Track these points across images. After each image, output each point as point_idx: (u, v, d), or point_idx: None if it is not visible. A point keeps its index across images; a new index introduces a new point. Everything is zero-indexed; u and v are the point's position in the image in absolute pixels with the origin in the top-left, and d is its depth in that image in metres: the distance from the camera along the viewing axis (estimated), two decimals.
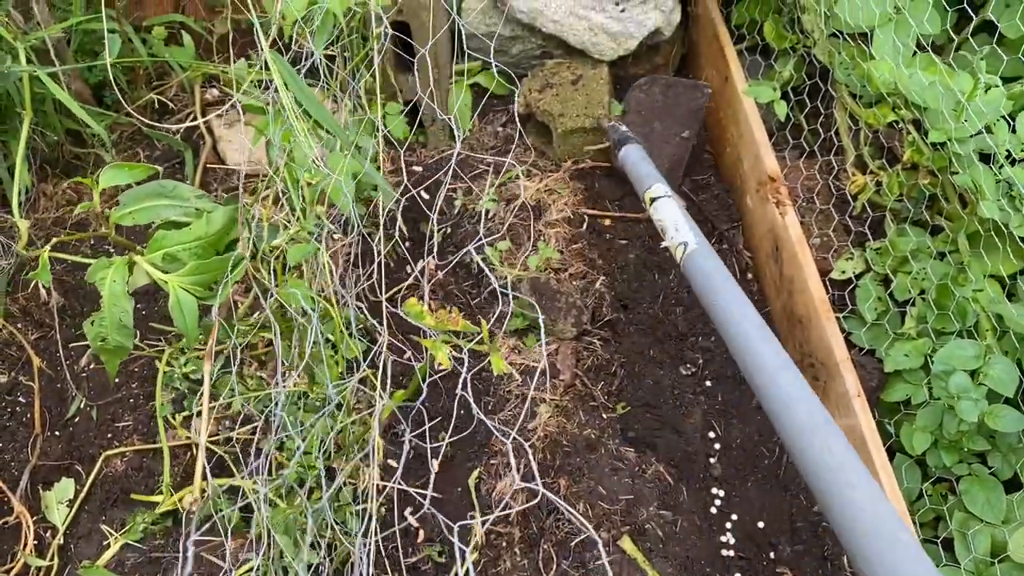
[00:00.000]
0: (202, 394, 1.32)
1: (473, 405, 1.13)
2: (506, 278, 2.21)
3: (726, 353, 2.14)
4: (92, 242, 2.40)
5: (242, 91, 1.79)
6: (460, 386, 1.08)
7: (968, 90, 1.72)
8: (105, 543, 1.82)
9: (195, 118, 2.45)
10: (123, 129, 2.58)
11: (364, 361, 1.41)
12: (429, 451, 1.27)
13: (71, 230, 2.36)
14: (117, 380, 2.11)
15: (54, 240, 1.37)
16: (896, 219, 1.97)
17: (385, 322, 1.28)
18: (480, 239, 1.46)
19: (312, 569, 1.62)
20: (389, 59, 2.34)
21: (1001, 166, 1.72)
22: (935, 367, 1.64)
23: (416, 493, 1.62)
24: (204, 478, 1.36)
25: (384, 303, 1.30)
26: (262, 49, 1.22)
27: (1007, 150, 1.73)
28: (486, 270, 1.59)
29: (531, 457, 1.07)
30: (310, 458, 1.70)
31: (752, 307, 1.42)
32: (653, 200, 1.82)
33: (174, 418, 1.90)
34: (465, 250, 2.06)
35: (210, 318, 1.40)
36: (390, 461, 1.98)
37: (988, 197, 1.67)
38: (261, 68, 1.67)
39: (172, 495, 1.70)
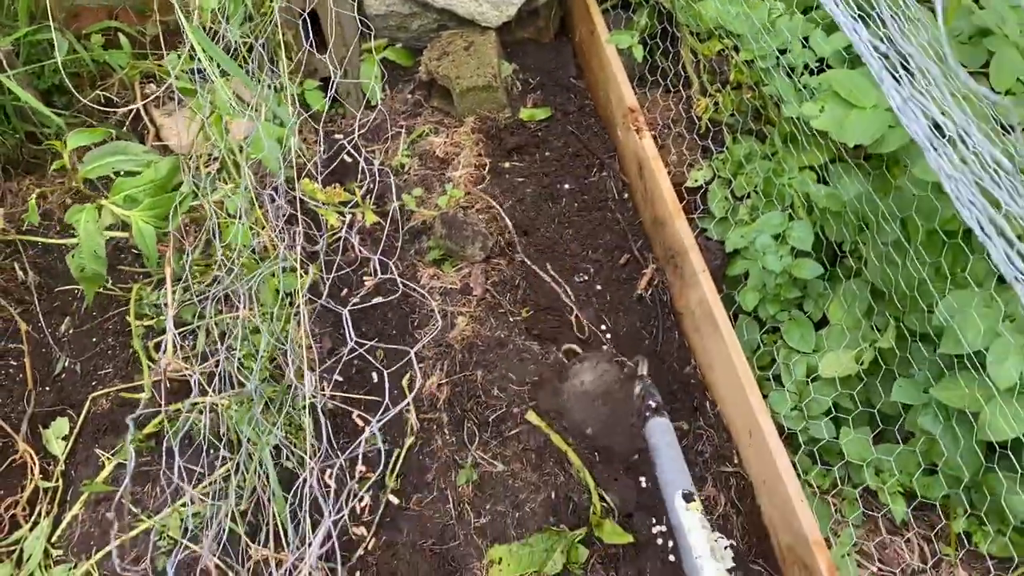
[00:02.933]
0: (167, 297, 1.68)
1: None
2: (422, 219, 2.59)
3: (613, 262, 2.55)
4: (58, 228, 2.73)
5: (174, 75, 2.14)
6: (343, 237, 1.45)
7: (765, 18, 2.13)
8: (100, 464, 2.17)
9: (137, 111, 2.79)
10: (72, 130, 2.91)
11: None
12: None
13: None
14: (95, 339, 2.46)
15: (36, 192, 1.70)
16: (732, 131, 2.38)
17: (298, 203, 1.64)
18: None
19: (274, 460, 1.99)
20: (303, 40, 2.70)
21: (801, 74, 2.13)
22: (751, 234, 2.05)
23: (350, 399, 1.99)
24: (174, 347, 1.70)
25: (299, 191, 1.65)
26: (183, 27, 1.57)
27: (804, 62, 2.15)
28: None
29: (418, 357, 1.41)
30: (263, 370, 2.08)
31: None
32: (698, 509, 1.75)
33: (149, 348, 2.24)
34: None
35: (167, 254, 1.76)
36: (337, 377, 2.35)
37: (790, 101, 2.08)
38: (189, 55, 2.03)
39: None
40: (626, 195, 2.64)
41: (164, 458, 2.19)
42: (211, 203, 1.57)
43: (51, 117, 2.15)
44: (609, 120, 2.74)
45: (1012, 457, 1.60)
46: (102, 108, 2.47)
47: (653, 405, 2.04)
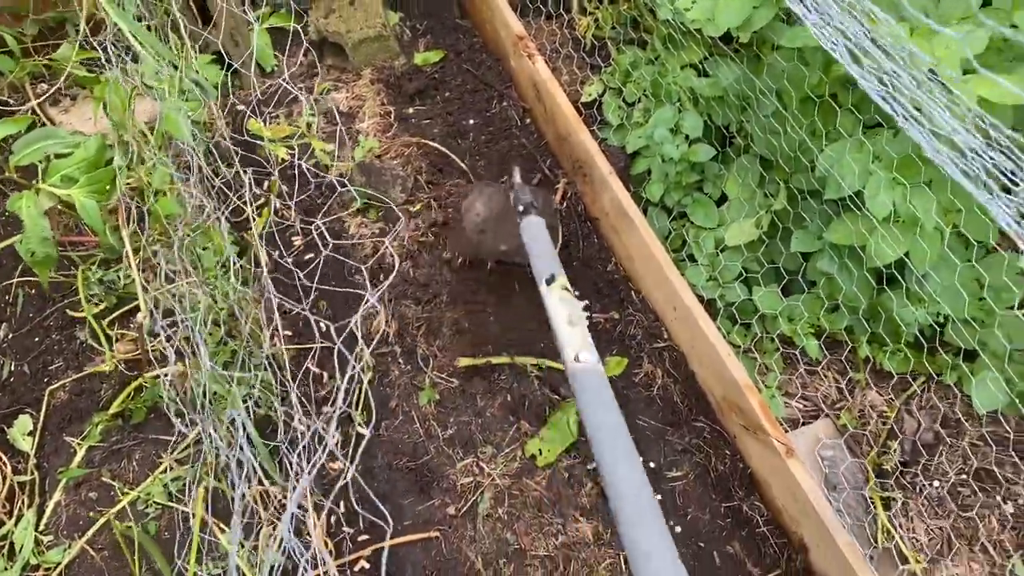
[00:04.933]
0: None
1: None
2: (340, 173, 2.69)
3: (527, 184, 2.71)
4: None
5: (71, 66, 2.18)
6: (296, 166, 1.56)
7: None
8: (72, 450, 2.23)
9: (33, 111, 2.78)
10: None
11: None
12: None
13: None
14: (36, 339, 2.49)
15: None
16: (615, 44, 2.56)
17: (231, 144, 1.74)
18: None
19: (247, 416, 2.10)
20: (191, 17, 2.73)
21: None
22: (647, 132, 2.25)
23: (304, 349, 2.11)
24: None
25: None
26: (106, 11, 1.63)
27: None
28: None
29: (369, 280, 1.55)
30: (218, 331, 2.17)
31: (627, 435, 1.52)
32: (561, 287, 1.82)
33: (103, 327, 2.30)
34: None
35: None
36: (286, 332, 2.46)
37: (663, 3, 2.27)
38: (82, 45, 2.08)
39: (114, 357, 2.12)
40: (528, 120, 2.79)
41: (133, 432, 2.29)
42: (157, 176, 1.64)
43: None
44: (500, 52, 2.88)
45: (898, 276, 1.85)
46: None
47: (521, 208, 2.14)
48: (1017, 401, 1.77)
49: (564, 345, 1.67)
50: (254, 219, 1.66)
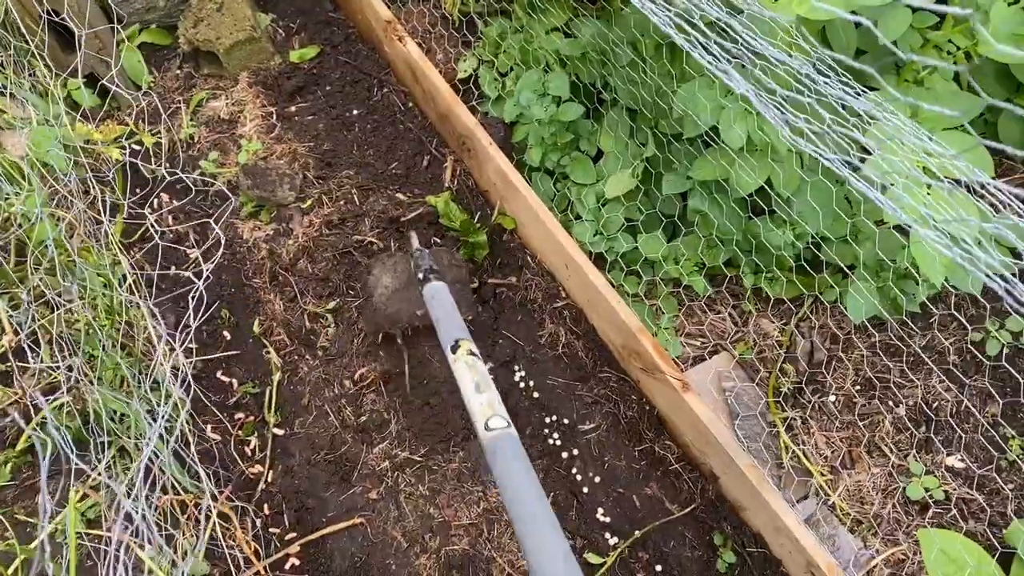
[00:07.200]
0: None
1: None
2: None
3: (417, 167, 2.73)
4: None
5: None
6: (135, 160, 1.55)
7: None
8: None
9: None
10: None
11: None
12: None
13: None
14: None
15: None
16: (482, 18, 2.58)
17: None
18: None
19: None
20: (53, 42, 2.67)
21: None
22: (516, 98, 2.28)
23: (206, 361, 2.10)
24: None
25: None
26: None
27: None
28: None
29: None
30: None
31: (546, 502, 1.43)
32: (467, 352, 1.73)
33: None
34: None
35: None
36: (191, 345, 2.43)
37: None
38: None
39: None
40: (410, 104, 2.81)
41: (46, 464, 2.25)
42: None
43: None
44: (375, 40, 2.88)
45: (761, 203, 1.91)
46: None
47: (420, 276, 2.06)
48: (880, 307, 1.85)
49: (474, 414, 1.62)
50: (109, 231, 1.64)
